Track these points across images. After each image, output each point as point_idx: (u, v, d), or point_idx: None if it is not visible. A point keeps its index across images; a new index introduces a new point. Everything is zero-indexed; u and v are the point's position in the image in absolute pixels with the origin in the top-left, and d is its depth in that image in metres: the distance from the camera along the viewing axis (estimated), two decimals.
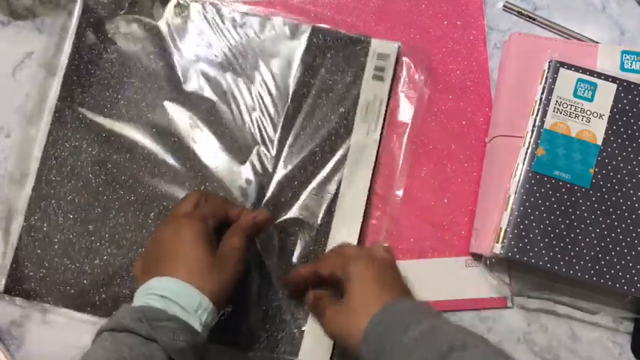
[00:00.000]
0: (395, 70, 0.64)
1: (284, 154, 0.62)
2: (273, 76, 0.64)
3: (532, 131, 0.60)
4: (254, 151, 0.62)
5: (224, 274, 0.50)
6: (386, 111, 0.63)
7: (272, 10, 0.65)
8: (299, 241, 0.60)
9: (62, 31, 0.64)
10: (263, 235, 0.59)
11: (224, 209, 0.55)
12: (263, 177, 0.61)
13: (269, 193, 0.61)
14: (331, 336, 0.55)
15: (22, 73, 0.64)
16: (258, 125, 0.63)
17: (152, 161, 0.62)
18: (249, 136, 0.62)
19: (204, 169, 0.62)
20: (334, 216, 0.61)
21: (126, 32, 0.64)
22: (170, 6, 0.65)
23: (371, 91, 0.63)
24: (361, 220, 0.61)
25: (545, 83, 0.61)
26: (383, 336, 0.48)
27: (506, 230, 0.58)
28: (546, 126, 0.60)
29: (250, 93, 0.63)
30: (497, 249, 0.58)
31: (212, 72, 0.64)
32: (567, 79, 0.60)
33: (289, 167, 0.62)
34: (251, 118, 0.63)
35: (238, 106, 0.63)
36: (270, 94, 0.63)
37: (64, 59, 0.63)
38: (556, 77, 0.60)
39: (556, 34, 0.66)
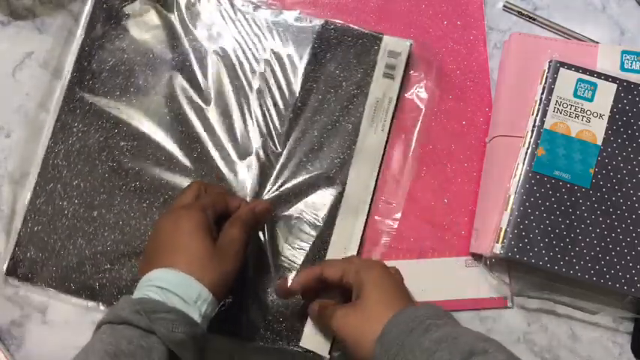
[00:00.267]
0: (406, 68, 0.64)
1: (290, 148, 0.62)
2: (282, 70, 0.63)
3: (532, 131, 0.60)
4: (260, 144, 0.62)
5: (224, 265, 0.50)
6: (395, 110, 0.63)
7: (282, 4, 0.66)
8: (300, 236, 0.61)
9: (75, 19, 0.65)
10: (265, 228, 0.60)
11: (224, 201, 0.55)
12: (268, 170, 0.62)
13: (273, 187, 0.61)
14: (343, 340, 0.53)
15: (22, 73, 0.64)
16: (266, 118, 0.63)
17: (159, 150, 0.62)
18: (257, 129, 0.62)
19: (211, 160, 0.62)
20: (338, 213, 0.61)
21: (139, 20, 0.64)
22: None
23: (380, 89, 0.63)
24: (365, 218, 0.61)
25: (545, 83, 0.61)
26: (400, 338, 0.47)
27: (506, 230, 0.58)
28: (546, 126, 0.60)
29: (259, 86, 0.63)
30: (497, 249, 0.58)
31: (222, 63, 0.64)
32: (567, 79, 0.60)
33: (294, 162, 0.62)
34: (259, 111, 0.63)
35: (247, 99, 0.63)
36: (280, 88, 0.63)
37: (75, 45, 0.64)
38: (556, 77, 0.60)
39: (556, 34, 0.66)
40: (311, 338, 0.58)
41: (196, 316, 0.47)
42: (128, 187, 0.61)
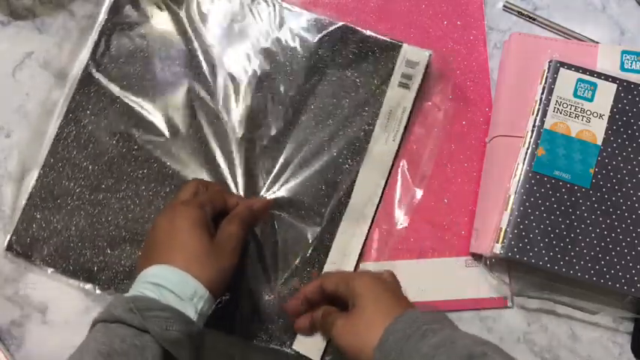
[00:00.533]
0: (423, 79, 0.62)
1: (294, 147, 0.62)
2: (295, 71, 0.63)
3: (532, 131, 0.60)
4: (265, 142, 0.62)
5: (221, 262, 0.49)
6: (408, 120, 0.62)
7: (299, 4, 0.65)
8: (300, 238, 0.60)
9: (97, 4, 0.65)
10: (264, 227, 0.60)
11: (222, 198, 0.55)
12: (270, 167, 0.61)
13: (274, 185, 0.61)
14: (342, 349, 0.52)
15: (22, 73, 0.64)
16: (274, 117, 0.62)
17: (168, 140, 0.62)
18: (264, 127, 0.62)
19: (213, 152, 0.62)
20: (342, 220, 0.60)
21: (161, 8, 0.64)
22: None
23: (395, 98, 0.62)
24: (369, 226, 0.61)
25: (545, 83, 0.61)
26: (399, 344, 0.46)
27: (506, 230, 0.58)
28: (546, 126, 0.60)
29: (270, 86, 0.63)
30: (497, 249, 0.58)
31: (232, 60, 0.63)
32: (567, 79, 0.60)
33: (298, 161, 0.61)
34: (264, 107, 0.62)
35: (258, 96, 0.62)
36: (290, 89, 0.62)
37: (97, 26, 0.64)
38: (556, 77, 0.60)
39: (556, 34, 0.66)
40: (304, 342, 0.58)
41: (192, 314, 0.46)
42: (135, 174, 0.61)
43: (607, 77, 0.60)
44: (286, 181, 0.61)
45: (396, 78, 0.62)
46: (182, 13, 0.64)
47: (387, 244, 0.61)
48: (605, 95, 0.60)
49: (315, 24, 0.64)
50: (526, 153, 0.59)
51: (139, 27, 0.64)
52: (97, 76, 0.63)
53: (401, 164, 0.63)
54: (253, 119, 0.62)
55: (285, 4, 0.64)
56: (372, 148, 0.61)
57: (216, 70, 0.63)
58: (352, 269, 0.60)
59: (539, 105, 0.60)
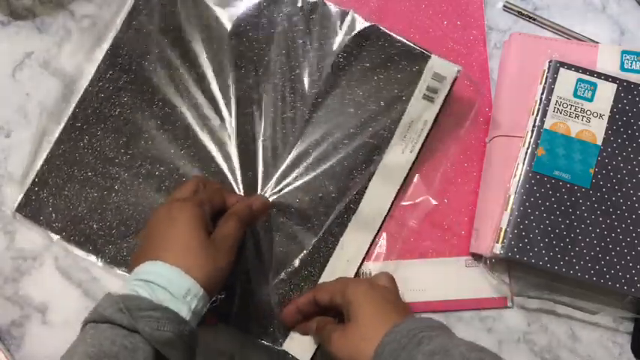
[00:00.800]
0: (448, 94, 0.60)
1: (306, 149, 0.61)
2: (318, 68, 0.62)
3: (532, 131, 0.60)
4: (277, 141, 0.61)
5: (217, 260, 0.48)
6: (428, 134, 0.60)
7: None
8: (302, 240, 0.60)
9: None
10: (264, 226, 0.59)
11: (222, 197, 0.54)
12: (277, 164, 0.61)
13: (280, 186, 0.60)
14: None
15: (22, 73, 0.64)
16: (291, 115, 0.61)
17: (185, 125, 0.62)
18: (278, 124, 0.61)
19: (230, 152, 0.61)
20: (348, 226, 0.60)
21: None
22: None
23: (418, 110, 0.60)
24: (374, 235, 0.60)
25: (545, 83, 0.61)
26: (395, 353, 0.46)
27: (506, 230, 0.58)
28: (546, 126, 0.60)
29: (287, 85, 0.62)
30: (497, 249, 0.58)
31: (255, 53, 0.62)
32: (567, 79, 0.60)
33: (308, 161, 0.61)
34: (280, 102, 0.62)
35: (273, 90, 0.62)
36: (312, 87, 0.61)
37: (128, 4, 0.64)
38: (556, 77, 0.60)
39: (556, 34, 0.66)
40: (295, 343, 0.57)
41: (185, 313, 0.45)
42: (151, 153, 0.61)
43: (607, 77, 0.60)
44: (293, 181, 0.60)
45: (421, 90, 0.60)
46: None
47: (388, 246, 0.61)
48: (605, 95, 0.60)
49: (342, 17, 0.62)
50: (526, 153, 0.59)
51: (171, 5, 0.63)
52: (126, 49, 0.63)
53: (414, 179, 0.62)
54: (267, 116, 0.62)
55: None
56: (387, 157, 0.60)
57: (237, 61, 0.63)
58: (353, 275, 0.60)
59: (539, 105, 0.60)
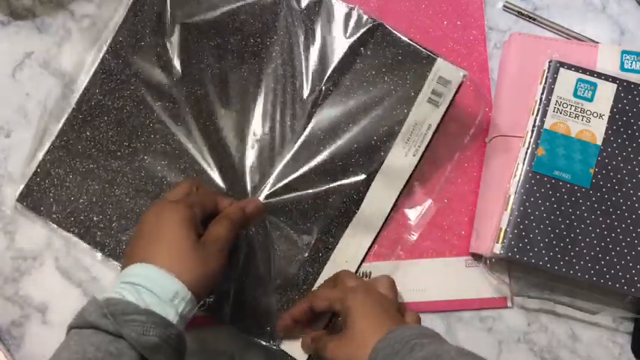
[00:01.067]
0: (453, 99, 0.59)
1: (304, 145, 0.60)
2: (320, 68, 0.61)
3: (532, 131, 0.60)
4: (277, 140, 0.61)
5: (206, 263, 0.47)
6: (432, 138, 0.59)
7: None
8: (300, 242, 0.60)
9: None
10: (263, 228, 0.59)
11: (214, 201, 0.53)
12: (275, 168, 0.60)
13: (279, 185, 0.60)
14: None
15: (22, 73, 0.64)
16: (291, 118, 0.61)
17: (189, 120, 0.61)
18: (281, 123, 0.61)
19: (228, 149, 0.61)
20: (348, 227, 0.59)
21: None
22: None
23: (422, 114, 0.59)
24: (374, 237, 0.60)
25: (545, 83, 0.61)
26: (389, 358, 0.46)
27: (506, 230, 0.58)
28: (546, 126, 0.60)
29: (288, 83, 0.61)
30: (497, 249, 0.58)
31: (259, 49, 0.62)
32: (567, 79, 0.60)
33: (307, 160, 0.60)
34: (281, 99, 0.61)
35: (276, 86, 0.61)
36: (306, 87, 0.61)
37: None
38: (556, 77, 0.60)
39: (556, 34, 0.66)
40: (293, 343, 0.57)
41: (172, 316, 0.44)
42: (153, 147, 0.61)
43: (607, 77, 0.60)
44: (291, 182, 0.60)
45: (425, 93, 0.59)
46: None
47: (389, 246, 0.61)
48: (605, 95, 0.60)
49: (347, 14, 0.61)
50: (526, 153, 0.59)
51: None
52: (128, 40, 0.62)
53: (416, 182, 0.61)
54: (270, 116, 0.62)
55: None
56: (389, 159, 0.59)
57: (237, 58, 0.62)
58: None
59: (539, 105, 0.60)
